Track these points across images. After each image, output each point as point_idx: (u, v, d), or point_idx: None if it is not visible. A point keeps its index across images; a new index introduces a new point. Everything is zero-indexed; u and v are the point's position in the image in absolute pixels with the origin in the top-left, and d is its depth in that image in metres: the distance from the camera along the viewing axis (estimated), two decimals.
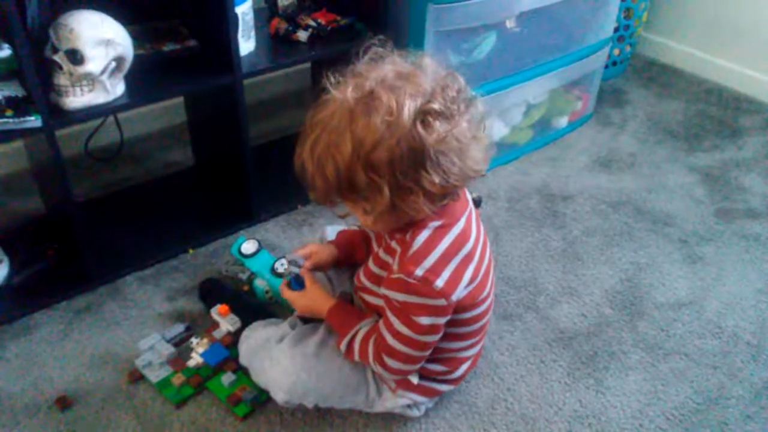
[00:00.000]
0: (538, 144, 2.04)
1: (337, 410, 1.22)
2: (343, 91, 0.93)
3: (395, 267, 1.02)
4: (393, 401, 1.19)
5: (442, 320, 1.04)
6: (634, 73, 2.49)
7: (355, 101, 0.91)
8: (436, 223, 1.01)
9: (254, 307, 1.41)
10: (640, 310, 1.48)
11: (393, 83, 0.91)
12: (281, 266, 1.44)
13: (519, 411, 1.26)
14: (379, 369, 1.11)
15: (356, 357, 1.14)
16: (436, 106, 0.90)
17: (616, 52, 2.38)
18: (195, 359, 1.30)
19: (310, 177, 0.96)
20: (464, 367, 1.21)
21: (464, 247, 1.03)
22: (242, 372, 1.28)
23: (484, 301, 1.13)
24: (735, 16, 2.32)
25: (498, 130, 1.93)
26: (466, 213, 1.07)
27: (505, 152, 1.97)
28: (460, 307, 1.06)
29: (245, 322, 1.33)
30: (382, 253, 1.10)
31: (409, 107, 0.89)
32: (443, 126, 0.90)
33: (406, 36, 1.65)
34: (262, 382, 1.21)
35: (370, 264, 1.13)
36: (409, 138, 0.89)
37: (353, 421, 1.22)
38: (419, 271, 0.98)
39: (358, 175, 0.91)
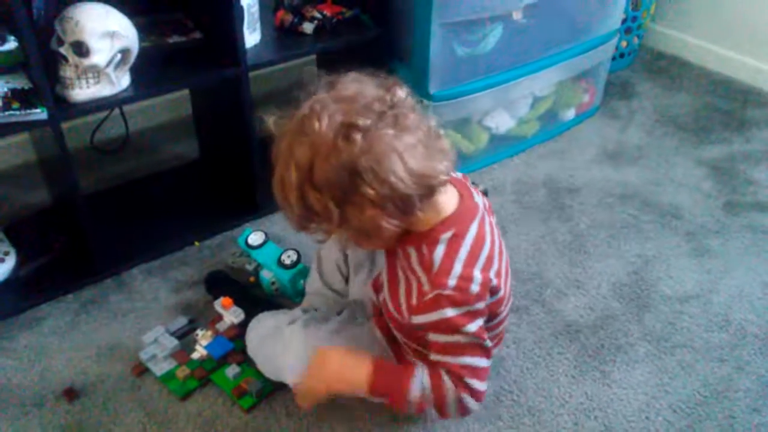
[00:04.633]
0: (545, 136, 2.03)
1: (342, 402, 1.22)
2: (284, 123, 0.98)
3: (426, 288, 1.01)
4: None
5: (482, 322, 1.03)
6: (641, 65, 2.47)
7: (292, 131, 0.95)
8: (447, 235, 1.01)
9: (259, 300, 1.41)
10: (647, 303, 1.48)
11: (324, 105, 0.93)
12: (288, 258, 1.44)
13: (525, 404, 1.26)
14: (468, 401, 1.03)
15: (431, 405, 1.05)
16: (359, 120, 0.91)
17: (624, 44, 2.37)
18: (199, 352, 1.30)
19: (282, 209, 1.00)
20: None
21: (483, 251, 1.03)
22: (247, 364, 1.28)
23: (505, 305, 1.13)
24: (744, 8, 2.30)
25: (504, 122, 1.92)
26: (477, 218, 1.05)
27: (512, 145, 1.96)
28: (490, 313, 1.06)
29: (249, 315, 1.33)
30: (400, 274, 1.08)
31: (331, 124, 0.91)
32: (368, 137, 0.91)
33: (411, 28, 1.64)
34: (271, 371, 1.21)
35: (390, 288, 1.11)
36: (336, 154, 0.91)
37: (359, 413, 1.22)
38: (452, 281, 0.99)
39: (309, 198, 0.94)
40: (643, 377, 1.31)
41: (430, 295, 1.00)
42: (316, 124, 0.92)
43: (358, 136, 0.90)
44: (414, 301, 1.04)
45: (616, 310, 1.46)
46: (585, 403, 1.26)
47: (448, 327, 1.01)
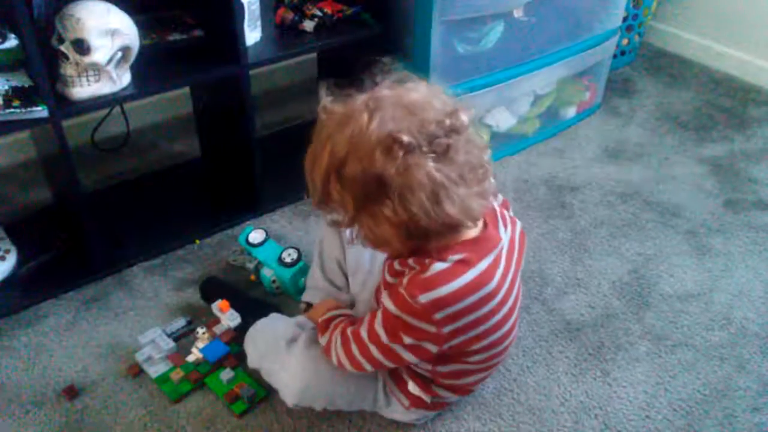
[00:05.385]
0: (546, 134, 2.03)
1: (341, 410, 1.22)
2: (336, 105, 0.95)
3: (405, 281, 0.97)
4: (403, 415, 1.19)
5: (428, 346, 1.00)
6: (642, 63, 2.47)
7: (340, 115, 0.92)
8: (457, 257, 0.96)
9: (255, 304, 1.39)
10: (647, 301, 1.48)
11: (379, 105, 0.90)
12: (288, 256, 1.44)
13: (525, 402, 1.26)
14: (338, 348, 1.08)
15: (325, 337, 1.13)
16: (405, 137, 0.86)
17: (625, 41, 2.36)
18: (194, 354, 1.29)
19: (307, 182, 0.98)
20: (478, 386, 1.22)
21: (483, 288, 0.98)
22: (242, 369, 1.27)
23: (494, 344, 1.07)
24: (745, 6, 2.29)
25: (505, 120, 1.92)
26: (493, 254, 1.00)
27: (513, 143, 1.96)
28: (460, 346, 1.03)
29: (245, 319, 1.32)
30: (396, 264, 1.04)
31: (378, 130, 0.87)
32: (407, 160, 0.87)
33: (412, 25, 1.64)
34: (273, 384, 1.19)
35: (386, 274, 1.09)
36: (370, 161, 0.88)
37: (359, 412, 1.22)
38: (423, 299, 0.94)
39: (333, 186, 0.93)
40: (644, 376, 1.31)
41: (400, 291, 0.96)
42: (365, 122, 0.88)
43: (399, 153, 0.87)
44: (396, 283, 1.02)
45: (616, 308, 1.46)
46: (585, 401, 1.26)
47: (390, 323, 0.99)
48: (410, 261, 1.00)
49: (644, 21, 2.39)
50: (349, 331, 1.08)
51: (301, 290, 1.41)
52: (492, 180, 0.97)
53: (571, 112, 2.08)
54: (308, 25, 1.61)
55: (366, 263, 1.27)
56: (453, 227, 0.94)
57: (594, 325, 1.42)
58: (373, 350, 1.03)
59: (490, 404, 1.25)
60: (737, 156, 1.97)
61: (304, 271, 1.43)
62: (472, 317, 0.99)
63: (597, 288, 1.51)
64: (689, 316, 1.44)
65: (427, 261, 0.97)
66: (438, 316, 0.96)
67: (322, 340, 1.14)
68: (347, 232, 1.16)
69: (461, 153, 0.91)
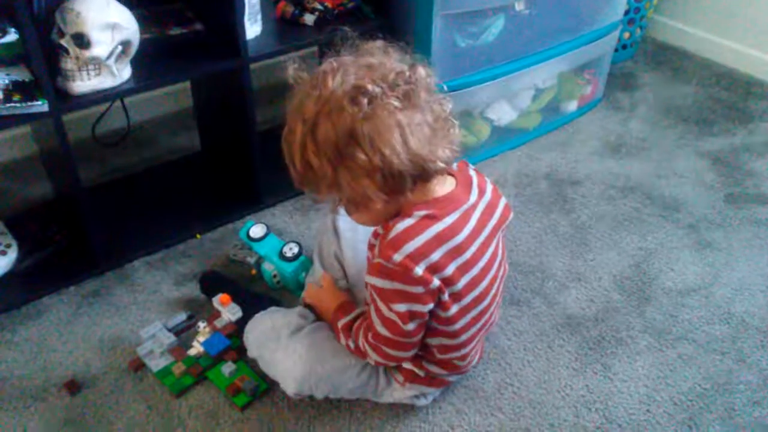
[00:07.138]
0: (547, 128, 2.02)
1: (342, 399, 1.23)
2: (303, 77, 1.00)
3: (377, 251, 1.02)
4: (401, 392, 1.19)
5: (422, 308, 1.02)
6: (644, 57, 2.46)
7: (306, 85, 0.97)
8: (422, 213, 1.01)
9: (255, 297, 1.40)
10: (648, 295, 1.48)
11: (341, 66, 0.95)
12: (290, 251, 1.44)
13: (526, 396, 1.26)
14: (373, 356, 1.11)
15: (352, 344, 1.15)
16: (369, 86, 0.92)
17: (626, 35, 2.36)
18: (196, 348, 1.30)
19: (288, 164, 1.01)
20: (466, 362, 1.20)
21: (451, 240, 1.01)
22: (243, 361, 1.28)
23: (471, 305, 1.09)
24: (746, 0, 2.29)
25: (506, 114, 1.91)
26: (461, 210, 1.04)
27: (514, 137, 1.96)
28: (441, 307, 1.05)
29: (246, 312, 1.32)
30: (372, 239, 1.09)
31: (343, 84, 0.93)
32: (373, 104, 0.92)
33: (413, 19, 1.63)
34: (272, 374, 1.21)
35: (368, 253, 1.13)
36: (339, 114, 0.92)
37: (361, 405, 1.23)
38: (397, 257, 0.98)
39: (309, 152, 0.96)
40: (644, 370, 1.31)
41: (375, 261, 1.01)
42: (330, 82, 0.94)
43: (364, 101, 0.92)
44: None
45: (617, 302, 1.46)
46: (586, 395, 1.26)
47: (382, 297, 1.03)
48: (379, 228, 1.04)
49: (646, 14, 2.38)
50: (370, 336, 1.10)
51: (302, 285, 1.41)
52: (456, 130, 1.01)
53: (572, 106, 2.07)
54: (309, 19, 1.61)
55: (360, 243, 1.28)
56: (425, 169, 0.96)
57: (595, 319, 1.42)
58: (397, 338, 1.05)
59: (490, 398, 1.25)
60: (739, 150, 1.96)
61: (306, 266, 1.43)
62: (447, 271, 1.01)
63: (598, 282, 1.51)
64: (690, 310, 1.44)
65: (391, 222, 1.00)
66: (418, 271, 0.98)
67: (349, 344, 1.16)
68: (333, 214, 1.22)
69: (422, 99, 0.95)
